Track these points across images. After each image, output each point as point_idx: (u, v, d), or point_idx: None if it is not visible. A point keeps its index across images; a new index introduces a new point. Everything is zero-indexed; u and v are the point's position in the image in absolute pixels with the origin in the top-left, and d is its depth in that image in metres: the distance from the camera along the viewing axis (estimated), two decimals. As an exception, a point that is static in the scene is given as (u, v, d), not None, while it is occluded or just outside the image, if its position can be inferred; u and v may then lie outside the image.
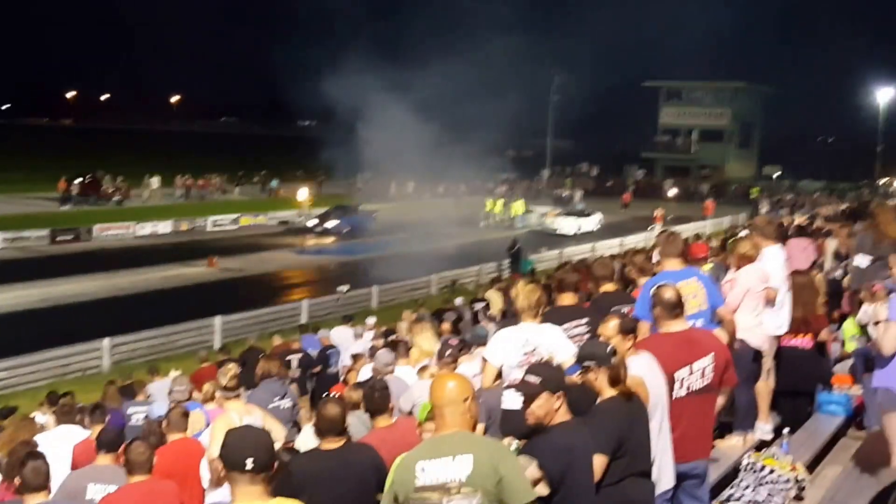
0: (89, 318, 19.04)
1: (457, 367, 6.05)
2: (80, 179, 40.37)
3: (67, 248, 29.07)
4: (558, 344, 4.59)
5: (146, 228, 33.33)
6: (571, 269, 5.43)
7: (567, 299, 5.08)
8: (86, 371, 15.35)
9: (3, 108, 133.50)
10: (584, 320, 5.09)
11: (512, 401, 4.50)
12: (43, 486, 4.37)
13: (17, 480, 4.43)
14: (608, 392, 3.65)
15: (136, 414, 8.80)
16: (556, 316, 4.85)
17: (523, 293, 4.68)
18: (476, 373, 5.27)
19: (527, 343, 4.56)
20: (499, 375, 4.66)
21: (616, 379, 3.60)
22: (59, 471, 5.76)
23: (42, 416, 9.15)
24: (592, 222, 37.78)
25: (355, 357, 9.88)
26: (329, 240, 33.11)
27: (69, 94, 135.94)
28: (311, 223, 34.74)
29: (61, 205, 39.16)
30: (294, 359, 10.85)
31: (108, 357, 15.72)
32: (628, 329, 4.20)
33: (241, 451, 2.68)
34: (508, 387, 4.27)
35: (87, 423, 7.12)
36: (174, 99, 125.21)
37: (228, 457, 2.71)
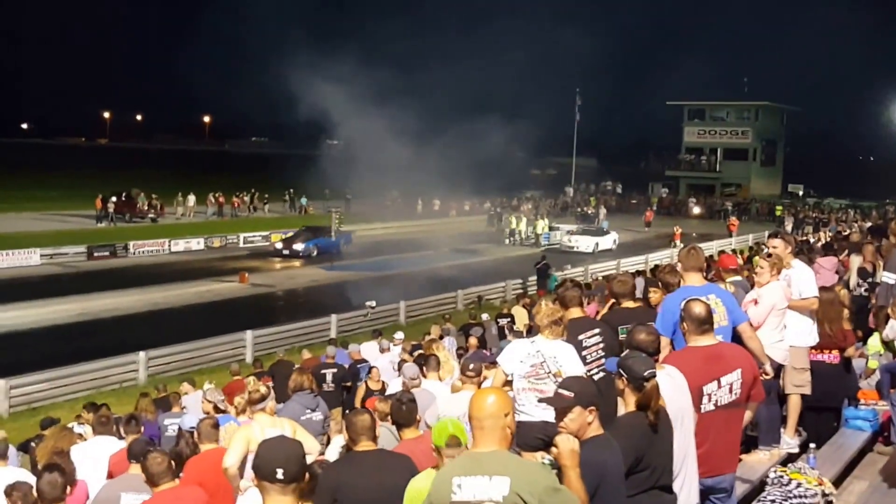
0: (125, 331, 19.50)
1: (482, 382, 6.15)
2: (116, 197, 41.32)
3: (104, 264, 29.72)
4: (569, 360, 4.71)
5: (180, 245, 33.95)
6: (571, 284, 5.58)
7: (575, 313, 5.25)
8: (122, 383, 15.66)
9: (31, 126, 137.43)
10: (597, 330, 5.24)
11: (535, 413, 4.61)
12: (59, 498, 4.46)
13: (34, 493, 4.54)
14: (631, 406, 3.67)
15: (171, 425, 9.03)
16: (572, 328, 4.99)
17: (544, 311, 4.82)
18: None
19: (536, 355, 4.69)
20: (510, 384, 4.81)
21: (644, 406, 3.62)
22: (96, 480, 5.95)
23: (80, 427, 9.38)
24: (609, 241, 37.78)
25: (371, 369, 9.95)
26: (349, 259, 32.16)
27: (105, 115, 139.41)
28: (278, 245, 33.26)
29: (98, 222, 40.14)
30: (329, 372, 11.03)
31: (143, 370, 16.02)
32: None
33: (272, 462, 2.75)
34: (541, 400, 4.35)
35: (122, 433, 7.27)
36: (206, 119, 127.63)
37: (260, 467, 2.78)
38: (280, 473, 2.73)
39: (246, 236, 36.84)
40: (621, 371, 3.71)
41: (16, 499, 4.81)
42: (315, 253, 32.50)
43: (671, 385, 3.98)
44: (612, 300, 6.17)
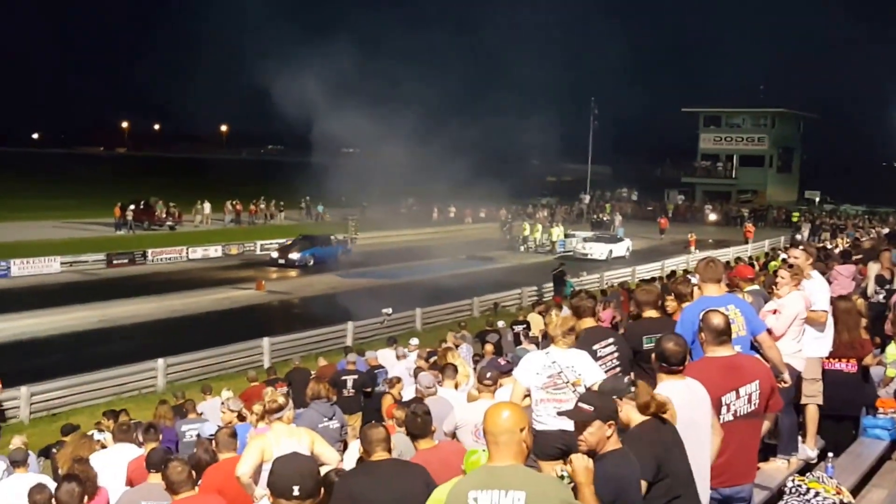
0: (144, 338, 19.72)
1: (497, 390, 6.18)
2: (135, 206, 41.76)
3: (123, 272, 30.06)
4: (586, 367, 4.75)
5: (198, 252, 34.22)
6: (585, 295, 5.71)
7: (588, 323, 5.33)
8: (141, 390, 15.82)
9: (41, 135, 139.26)
10: (611, 340, 5.32)
11: (552, 423, 4.64)
12: None
13: (53, 502, 4.63)
14: (638, 419, 3.69)
15: (189, 431, 9.14)
16: (587, 337, 5.05)
17: (557, 320, 4.90)
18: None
19: (553, 365, 4.74)
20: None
21: (644, 406, 3.63)
22: (115, 488, 6.04)
23: (100, 434, 9.49)
24: (622, 248, 37.55)
25: (391, 382, 9.89)
26: (364, 266, 31.81)
27: (123, 124, 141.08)
28: (273, 255, 32.69)
29: (117, 230, 40.58)
30: (349, 378, 11.14)
31: (162, 377, 16.18)
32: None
33: (288, 479, 2.79)
34: (560, 413, 4.39)
35: (140, 441, 7.35)
36: (223, 128, 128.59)
37: (276, 484, 2.83)
38: (296, 490, 2.77)
39: (263, 243, 37.08)
40: (612, 397, 3.66)
41: (38, 501, 4.91)
42: (311, 262, 32.05)
43: (687, 395, 3.99)
44: (635, 308, 6.20)
